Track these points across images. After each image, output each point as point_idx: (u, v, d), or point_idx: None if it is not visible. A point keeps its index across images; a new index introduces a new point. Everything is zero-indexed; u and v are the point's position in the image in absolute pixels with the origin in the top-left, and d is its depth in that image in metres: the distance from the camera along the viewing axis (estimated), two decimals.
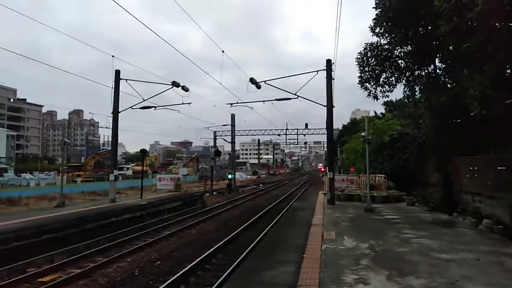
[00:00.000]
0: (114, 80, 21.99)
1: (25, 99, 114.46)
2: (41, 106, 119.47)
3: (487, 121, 10.49)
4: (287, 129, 52.05)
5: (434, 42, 12.84)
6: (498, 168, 11.32)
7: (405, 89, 16.41)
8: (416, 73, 15.22)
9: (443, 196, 14.65)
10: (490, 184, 11.66)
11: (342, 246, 8.98)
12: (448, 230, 10.97)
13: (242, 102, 25.10)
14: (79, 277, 9.45)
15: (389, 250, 8.45)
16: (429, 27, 12.61)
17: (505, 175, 10.73)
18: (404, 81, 15.76)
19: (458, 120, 13.95)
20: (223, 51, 20.35)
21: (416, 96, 16.55)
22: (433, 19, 10.69)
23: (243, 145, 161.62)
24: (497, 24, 8.24)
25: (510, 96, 8.94)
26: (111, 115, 22.12)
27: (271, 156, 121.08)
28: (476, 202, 12.50)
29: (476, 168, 13.22)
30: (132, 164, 73.95)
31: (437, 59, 14.53)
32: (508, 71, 9.29)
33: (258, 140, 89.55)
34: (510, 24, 8.14)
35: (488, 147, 12.57)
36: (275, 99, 22.10)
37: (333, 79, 19.47)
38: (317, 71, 19.12)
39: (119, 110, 22.25)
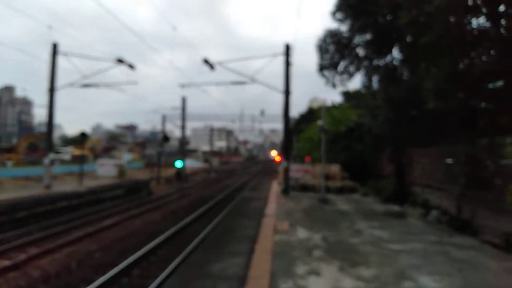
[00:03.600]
0: (51, 53, 20.82)
1: None
2: None
3: (441, 114, 11.14)
4: (241, 115, 52.16)
5: (393, 33, 13.35)
6: (447, 160, 12.09)
7: (363, 79, 16.98)
8: (374, 63, 15.76)
9: (396, 187, 15.44)
10: (439, 176, 12.44)
11: (295, 237, 9.23)
12: (399, 221, 11.63)
13: (195, 84, 24.75)
14: (9, 269, 8.98)
15: (341, 241, 8.81)
16: (389, 17, 13.07)
17: (453, 168, 11.49)
18: (362, 70, 16.28)
19: (413, 113, 14.67)
20: (175, 28, 19.88)
21: (373, 87, 17.17)
22: (393, 9, 11.10)
23: (195, 131, 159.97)
24: (451, 19, 8.70)
25: (463, 90, 9.52)
26: (47, 93, 20.97)
27: (224, 144, 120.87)
28: (426, 193, 13.30)
29: (427, 160, 14.03)
30: (71, 148, 70.81)
31: (395, 50, 15.13)
32: (462, 65, 9.87)
33: (211, 126, 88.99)
34: (464, 20, 8.64)
35: (440, 140, 13.36)
36: (230, 83, 21.99)
37: (291, 64, 19.71)
38: (275, 55, 19.26)
39: (57, 88, 21.15)
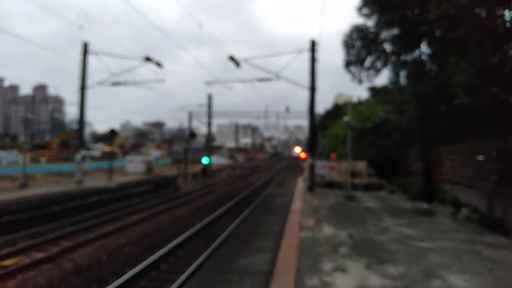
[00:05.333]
0: (81, 52, 21.40)
1: None
2: (0, 80, 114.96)
3: (471, 110, 10.83)
4: (266, 111, 52.11)
5: (421, 27, 13.04)
6: (478, 157, 11.75)
7: (390, 74, 16.68)
8: (402, 58, 15.45)
9: (424, 184, 15.12)
10: (469, 173, 12.11)
11: (321, 233, 9.20)
12: (427, 219, 11.39)
13: (221, 81, 24.90)
14: (44, 261, 9.36)
15: (368, 239, 8.72)
16: (417, 11, 12.77)
17: (484, 164, 11.16)
18: (389, 66, 15.99)
19: (442, 108, 14.33)
20: (200, 25, 20.05)
21: (401, 83, 16.85)
22: (423, 3, 10.83)
23: (221, 128, 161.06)
24: (483, 13, 8.44)
25: (494, 85, 9.23)
26: (79, 91, 21.58)
27: (249, 140, 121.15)
28: (455, 191, 12.98)
29: (456, 157, 13.68)
30: (101, 145, 72.59)
31: (423, 45, 14.78)
32: (494, 59, 9.56)
33: (236, 123, 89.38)
34: (496, 13, 8.36)
35: (469, 137, 13.00)
36: (256, 79, 22.00)
37: (316, 60, 19.54)
38: (300, 51, 19.14)
39: (87, 86, 21.74)
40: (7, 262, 9.26)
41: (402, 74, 16.20)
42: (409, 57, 15.25)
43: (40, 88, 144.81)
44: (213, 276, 7.50)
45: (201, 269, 8.35)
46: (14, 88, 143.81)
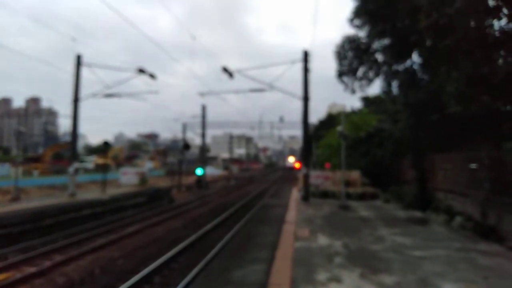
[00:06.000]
0: (75, 65, 21.38)
1: None
2: None
3: (463, 118, 10.93)
4: (260, 122, 52.22)
5: (412, 37, 13.20)
6: (471, 165, 11.81)
7: (383, 84, 16.82)
8: (394, 68, 15.60)
9: (418, 193, 15.15)
10: (463, 181, 12.15)
11: (316, 244, 9.16)
12: (422, 228, 11.39)
13: (214, 93, 24.95)
14: (35, 276, 9.21)
15: (363, 248, 8.69)
16: (408, 21, 12.94)
17: (477, 172, 11.21)
18: (381, 76, 16.14)
19: (435, 117, 14.44)
20: (194, 37, 20.14)
21: (393, 92, 16.99)
22: (412, 13, 10.98)
23: (215, 139, 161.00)
24: (472, 22, 8.56)
25: (486, 93, 9.32)
26: (72, 103, 21.51)
27: (244, 151, 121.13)
28: (449, 199, 13.01)
29: (449, 165, 13.74)
30: (95, 157, 72.21)
31: (414, 54, 14.95)
32: (484, 69, 9.67)
33: (231, 133, 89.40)
34: (485, 22, 8.48)
35: (462, 145, 13.08)
36: (249, 90, 22.08)
37: (309, 71, 19.67)
38: (293, 62, 19.26)
39: (81, 98, 21.68)
40: None
41: (394, 83, 16.35)
42: (400, 67, 15.41)
43: (33, 101, 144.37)
44: None
45: (195, 281, 8.27)
46: (6, 101, 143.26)
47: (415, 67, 15.25)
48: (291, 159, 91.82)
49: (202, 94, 24.46)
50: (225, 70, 19.06)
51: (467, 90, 9.09)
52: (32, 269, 9.67)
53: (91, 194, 23.02)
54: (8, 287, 8.44)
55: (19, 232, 13.22)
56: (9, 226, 13.04)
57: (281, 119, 49.45)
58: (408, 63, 15.21)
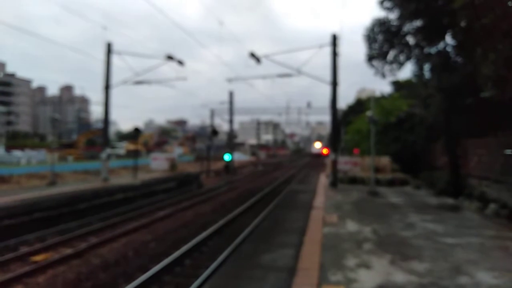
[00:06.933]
0: (105, 52, 21.82)
1: (13, 74, 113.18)
2: (29, 81, 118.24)
3: (499, 102, 10.50)
4: (288, 108, 51.92)
5: (445, 18, 12.71)
6: (507, 151, 11.39)
7: (414, 68, 16.35)
8: (426, 50, 15.11)
9: (450, 179, 14.79)
10: (498, 168, 11.75)
11: (344, 229, 9.12)
12: (454, 214, 11.13)
13: (242, 78, 24.96)
14: (72, 257, 9.61)
15: (393, 234, 8.59)
16: (441, 2, 12.45)
17: None
18: (413, 59, 15.68)
19: (469, 101, 13.95)
20: (221, 23, 20.11)
21: (425, 76, 16.50)
22: None
23: (242, 125, 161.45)
24: (510, 1, 8.15)
25: None
26: (103, 91, 22.03)
27: (271, 137, 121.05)
28: (483, 186, 12.63)
29: (484, 151, 13.30)
30: (126, 143, 73.94)
31: (448, 36, 14.41)
32: None
33: (258, 119, 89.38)
34: None
35: (498, 130, 12.61)
36: (277, 75, 21.94)
37: (338, 55, 19.33)
38: (321, 46, 18.97)
39: (111, 86, 22.16)
40: (37, 258, 9.56)
41: (426, 67, 15.88)
42: (433, 50, 14.92)
43: (67, 89, 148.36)
44: (236, 271, 7.53)
45: (225, 264, 8.40)
46: (41, 89, 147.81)
47: (449, 49, 14.74)
48: (317, 145, 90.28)
49: (229, 80, 24.56)
50: (253, 55, 18.98)
51: (504, 73, 8.70)
52: (69, 251, 10.10)
53: (123, 179, 23.66)
54: (46, 267, 8.85)
55: (57, 215, 13.77)
56: (47, 210, 13.60)
57: (309, 105, 49.13)
58: (441, 45, 14.69)
